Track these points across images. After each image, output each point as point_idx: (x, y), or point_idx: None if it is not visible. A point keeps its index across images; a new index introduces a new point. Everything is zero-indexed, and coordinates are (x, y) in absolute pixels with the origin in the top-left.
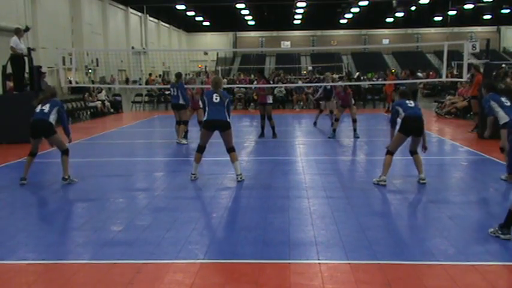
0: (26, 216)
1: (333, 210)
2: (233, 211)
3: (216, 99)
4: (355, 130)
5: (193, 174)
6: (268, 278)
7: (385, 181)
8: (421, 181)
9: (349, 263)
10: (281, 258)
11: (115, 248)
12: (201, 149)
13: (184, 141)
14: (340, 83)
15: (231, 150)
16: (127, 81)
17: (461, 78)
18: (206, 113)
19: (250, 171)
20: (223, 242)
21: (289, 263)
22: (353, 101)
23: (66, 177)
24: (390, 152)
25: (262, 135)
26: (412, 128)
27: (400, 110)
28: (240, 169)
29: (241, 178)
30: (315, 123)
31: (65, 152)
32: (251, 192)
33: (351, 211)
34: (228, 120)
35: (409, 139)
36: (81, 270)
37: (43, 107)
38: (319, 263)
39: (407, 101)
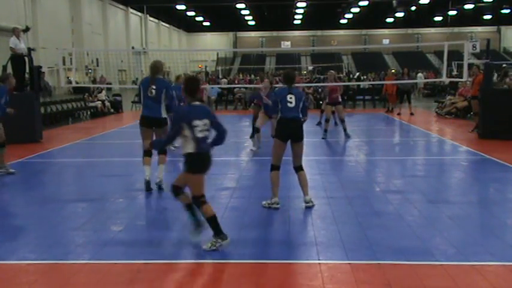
0: (26, 216)
1: (333, 210)
2: (233, 211)
3: (152, 92)
4: (345, 130)
5: (147, 175)
6: (268, 278)
7: (277, 203)
8: (306, 204)
9: (349, 263)
10: (281, 258)
11: (115, 248)
12: (148, 153)
13: (173, 147)
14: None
15: (161, 151)
16: (94, 81)
17: (462, 78)
18: (142, 108)
19: (250, 171)
20: None
21: (290, 263)
22: (339, 99)
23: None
24: (275, 167)
25: (253, 136)
26: (288, 132)
27: (279, 105)
28: (162, 174)
29: (159, 182)
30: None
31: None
32: (251, 192)
33: (351, 211)
34: (164, 116)
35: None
36: (81, 270)
37: None
38: (320, 263)
39: (288, 97)
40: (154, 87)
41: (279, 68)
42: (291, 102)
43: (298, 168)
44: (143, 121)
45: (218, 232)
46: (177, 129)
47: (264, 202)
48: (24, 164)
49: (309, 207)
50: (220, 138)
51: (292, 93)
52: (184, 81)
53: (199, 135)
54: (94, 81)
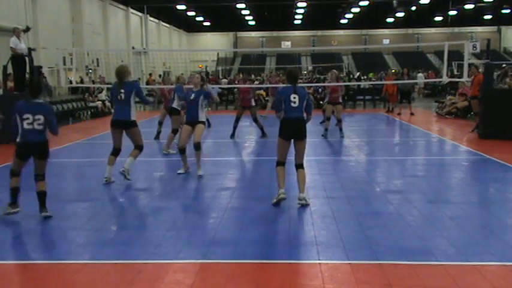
0: (26, 216)
1: (333, 210)
2: (233, 211)
3: (121, 97)
4: (340, 130)
5: (106, 178)
6: (268, 278)
7: (284, 193)
8: (299, 202)
9: (349, 263)
10: (281, 258)
11: (115, 248)
12: (115, 152)
13: (172, 151)
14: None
15: (137, 147)
16: (81, 81)
17: (462, 78)
18: (113, 112)
19: (250, 171)
20: (223, 242)
21: (290, 263)
22: (340, 99)
23: None
24: (280, 163)
25: (233, 135)
26: (291, 132)
27: (283, 104)
28: (129, 165)
29: (123, 171)
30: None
31: None
32: (251, 192)
33: (351, 211)
34: (133, 119)
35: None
36: (81, 270)
37: None
38: (320, 263)
39: (292, 96)
40: (122, 91)
41: (279, 68)
42: (294, 102)
43: (299, 166)
44: (112, 124)
45: (13, 202)
46: (14, 119)
47: (273, 200)
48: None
49: (302, 205)
50: (52, 133)
51: (296, 93)
52: (28, 82)
53: (27, 127)
54: (81, 81)
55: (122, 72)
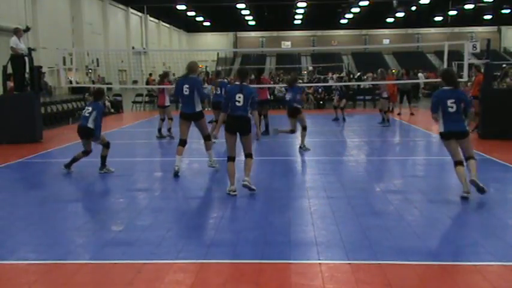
0: (26, 216)
1: (333, 211)
2: (233, 211)
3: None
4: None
5: (176, 166)
6: (268, 278)
7: (234, 191)
8: (243, 183)
9: (349, 263)
10: (281, 259)
11: (115, 248)
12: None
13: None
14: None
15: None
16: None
17: (461, 78)
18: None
19: (251, 171)
20: (224, 242)
21: (290, 263)
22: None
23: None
24: (229, 158)
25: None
26: (234, 128)
27: (229, 103)
28: (211, 157)
29: (211, 164)
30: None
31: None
32: (251, 192)
33: (351, 211)
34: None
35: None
36: (81, 270)
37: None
38: (320, 263)
39: (237, 96)
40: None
41: (279, 68)
42: (239, 102)
43: (247, 155)
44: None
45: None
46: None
47: (226, 189)
48: (25, 164)
49: (246, 187)
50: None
51: (241, 93)
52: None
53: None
54: (94, 82)
55: (191, 67)
